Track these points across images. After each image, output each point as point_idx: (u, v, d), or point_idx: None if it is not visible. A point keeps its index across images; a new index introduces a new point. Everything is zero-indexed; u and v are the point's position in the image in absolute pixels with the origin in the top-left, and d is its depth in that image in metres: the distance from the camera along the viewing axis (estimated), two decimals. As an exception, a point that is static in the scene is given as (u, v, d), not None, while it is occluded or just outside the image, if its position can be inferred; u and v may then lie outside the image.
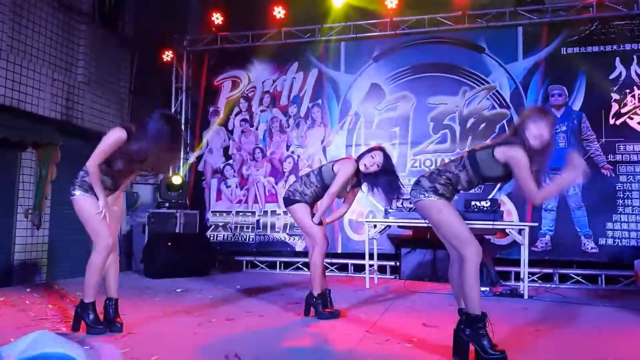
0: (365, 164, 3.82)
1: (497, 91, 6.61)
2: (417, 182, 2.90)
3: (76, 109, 6.33)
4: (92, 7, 6.65)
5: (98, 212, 3.20)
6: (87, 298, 3.26)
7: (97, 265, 3.22)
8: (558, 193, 2.70)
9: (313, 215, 3.93)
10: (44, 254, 5.97)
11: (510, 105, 6.54)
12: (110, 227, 3.27)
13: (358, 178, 3.96)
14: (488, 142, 2.93)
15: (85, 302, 3.26)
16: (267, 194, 7.35)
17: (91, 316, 3.24)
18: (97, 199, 3.23)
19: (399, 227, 6.22)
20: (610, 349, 3.17)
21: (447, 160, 3.05)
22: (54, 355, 1.88)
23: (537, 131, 2.76)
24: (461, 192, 2.95)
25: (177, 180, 7.09)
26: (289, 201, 3.95)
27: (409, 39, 7.01)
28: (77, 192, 3.27)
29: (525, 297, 5.08)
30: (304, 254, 7.12)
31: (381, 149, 3.89)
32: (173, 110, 7.77)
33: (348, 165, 3.88)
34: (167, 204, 7.04)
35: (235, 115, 7.63)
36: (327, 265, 6.92)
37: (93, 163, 3.21)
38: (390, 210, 5.98)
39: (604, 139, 6.19)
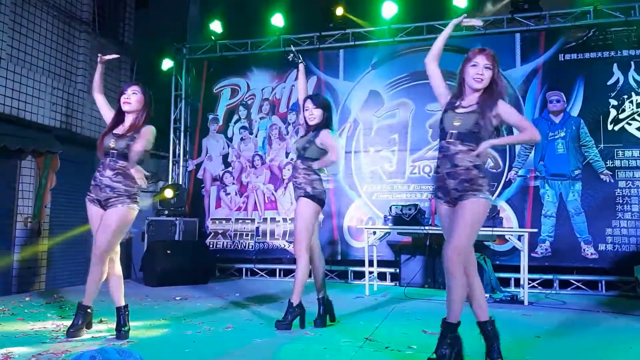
0: (307, 117, 3.84)
1: (495, 97, 6.62)
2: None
3: (76, 117, 6.35)
4: (92, 16, 6.68)
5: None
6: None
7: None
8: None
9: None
10: (43, 262, 5.95)
11: (509, 111, 6.54)
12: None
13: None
14: None
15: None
16: (266, 201, 7.36)
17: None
18: (93, 207, 3.38)
19: (399, 233, 6.23)
20: (611, 356, 3.16)
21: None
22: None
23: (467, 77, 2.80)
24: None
25: (169, 193, 7.04)
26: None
27: (408, 46, 7.04)
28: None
29: (526, 303, 5.07)
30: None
31: (305, 99, 3.92)
32: (172, 118, 7.79)
33: None
34: (166, 212, 7.04)
35: (235, 122, 7.65)
36: (326, 272, 6.91)
37: None
38: (389, 217, 5.99)
39: (602, 145, 6.20)
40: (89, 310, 3.41)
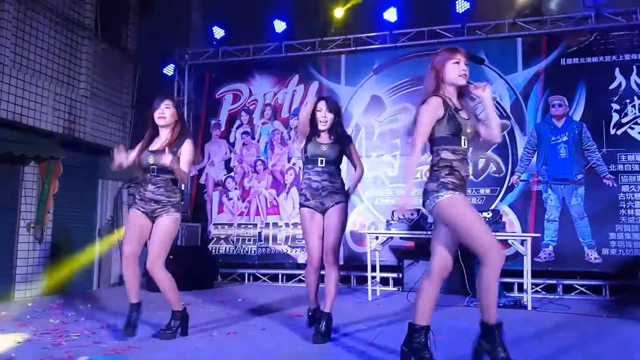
0: (320, 121, 3.58)
1: (497, 102, 6.63)
2: (425, 192, 2.72)
3: (79, 122, 6.36)
4: (94, 22, 6.70)
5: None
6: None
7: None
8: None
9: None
10: (45, 268, 5.95)
11: (511, 115, 6.56)
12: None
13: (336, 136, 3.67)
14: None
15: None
16: (268, 206, 7.35)
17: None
18: (141, 216, 3.54)
19: (401, 238, 6.21)
20: (615, 361, 3.15)
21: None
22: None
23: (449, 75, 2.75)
24: (468, 175, 2.74)
25: None
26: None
27: (409, 51, 7.05)
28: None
29: (529, 308, 5.05)
30: (306, 266, 7.10)
31: (319, 99, 3.68)
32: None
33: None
34: (169, 217, 7.02)
35: (237, 128, 7.66)
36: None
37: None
38: (392, 222, 5.98)
39: (605, 149, 6.19)
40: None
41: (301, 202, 3.64)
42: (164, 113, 3.52)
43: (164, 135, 3.57)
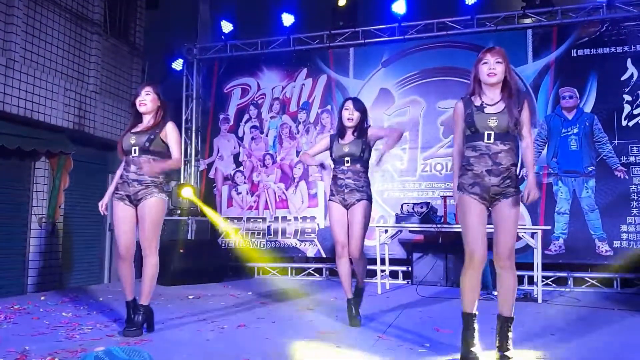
0: (348, 119, 3.82)
1: (507, 94, 6.56)
2: None
3: (88, 118, 6.41)
4: (103, 18, 6.73)
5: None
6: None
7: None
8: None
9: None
10: (57, 262, 6.02)
11: (521, 108, 6.49)
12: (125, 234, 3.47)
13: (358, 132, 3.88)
14: None
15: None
16: (277, 200, 7.37)
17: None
18: (121, 204, 3.45)
19: (411, 231, 6.21)
20: (627, 353, 3.13)
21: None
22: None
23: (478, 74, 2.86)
24: (490, 170, 2.74)
25: (187, 192, 7.04)
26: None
27: (418, 44, 7.01)
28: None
29: (539, 301, 5.03)
30: (315, 259, 7.15)
31: (346, 100, 3.97)
32: (184, 118, 7.83)
33: (324, 137, 4.18)
34: (179, 211, 7.07)
35: (246, 122, 7.67)
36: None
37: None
38: (401, 215, 5.97)
39: (616, 141, 6.13)
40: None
41: (328, 197, 3.94)
42: (145, 100, 3.50)
43: (147, 121, 3.55)
